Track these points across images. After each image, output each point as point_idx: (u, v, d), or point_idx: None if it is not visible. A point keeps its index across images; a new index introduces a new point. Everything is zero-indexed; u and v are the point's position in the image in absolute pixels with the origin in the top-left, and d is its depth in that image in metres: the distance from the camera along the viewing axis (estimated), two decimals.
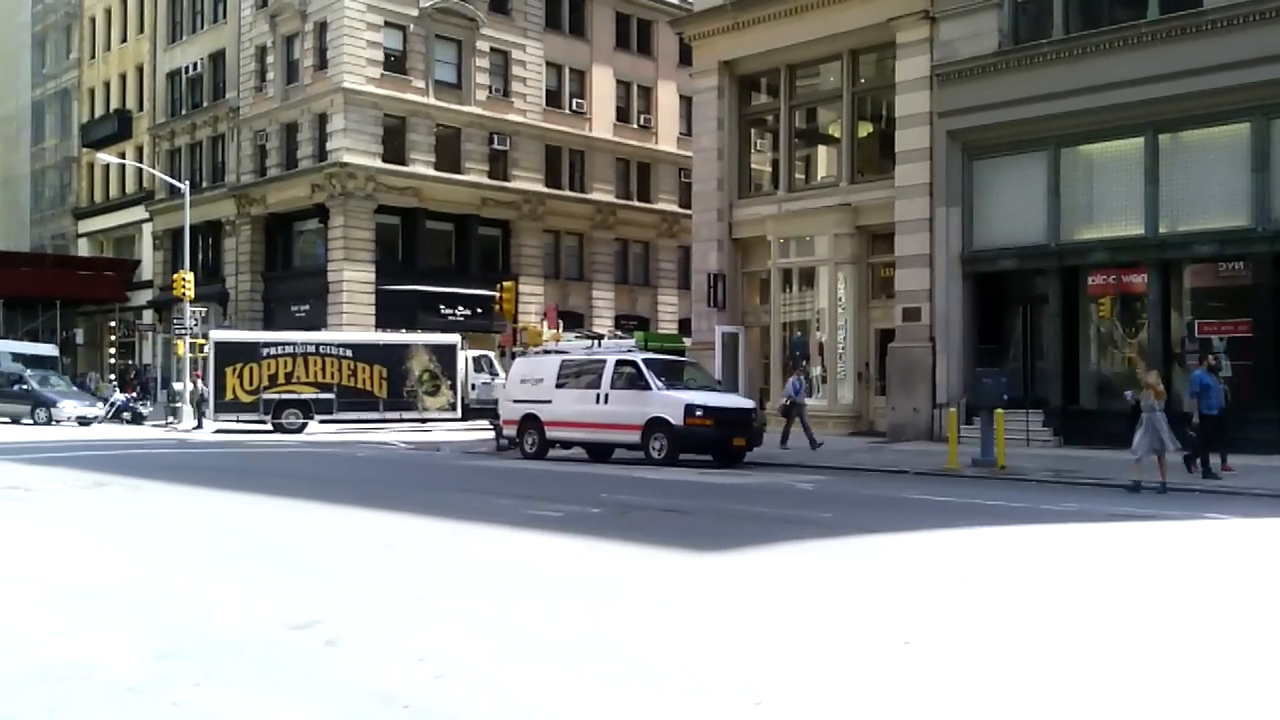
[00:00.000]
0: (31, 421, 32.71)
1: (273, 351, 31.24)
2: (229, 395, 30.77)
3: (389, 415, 32.06)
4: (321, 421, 31.54)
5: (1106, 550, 10.39)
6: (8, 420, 33.64)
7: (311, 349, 31.79)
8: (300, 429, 31.12)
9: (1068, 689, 5.32)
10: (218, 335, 32.23)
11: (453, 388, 32.69)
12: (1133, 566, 9.40)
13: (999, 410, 18.79)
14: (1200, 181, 21.22)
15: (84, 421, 32.89)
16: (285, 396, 31.15)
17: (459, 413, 32.59)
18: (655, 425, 19.89)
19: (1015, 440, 20.60)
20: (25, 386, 34.07)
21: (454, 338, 34.06)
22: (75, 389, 38.17)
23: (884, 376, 26.04)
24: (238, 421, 30.98)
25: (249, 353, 31.06)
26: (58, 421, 32.45)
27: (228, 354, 31.00)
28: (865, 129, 28.44)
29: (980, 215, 24.22)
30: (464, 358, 33.43)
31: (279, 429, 30.87)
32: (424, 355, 32.71)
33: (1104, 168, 22.64)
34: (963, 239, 24.23)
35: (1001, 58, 23.34)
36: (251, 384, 30.83)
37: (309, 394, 31.33)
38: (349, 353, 32.08)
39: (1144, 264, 21.94)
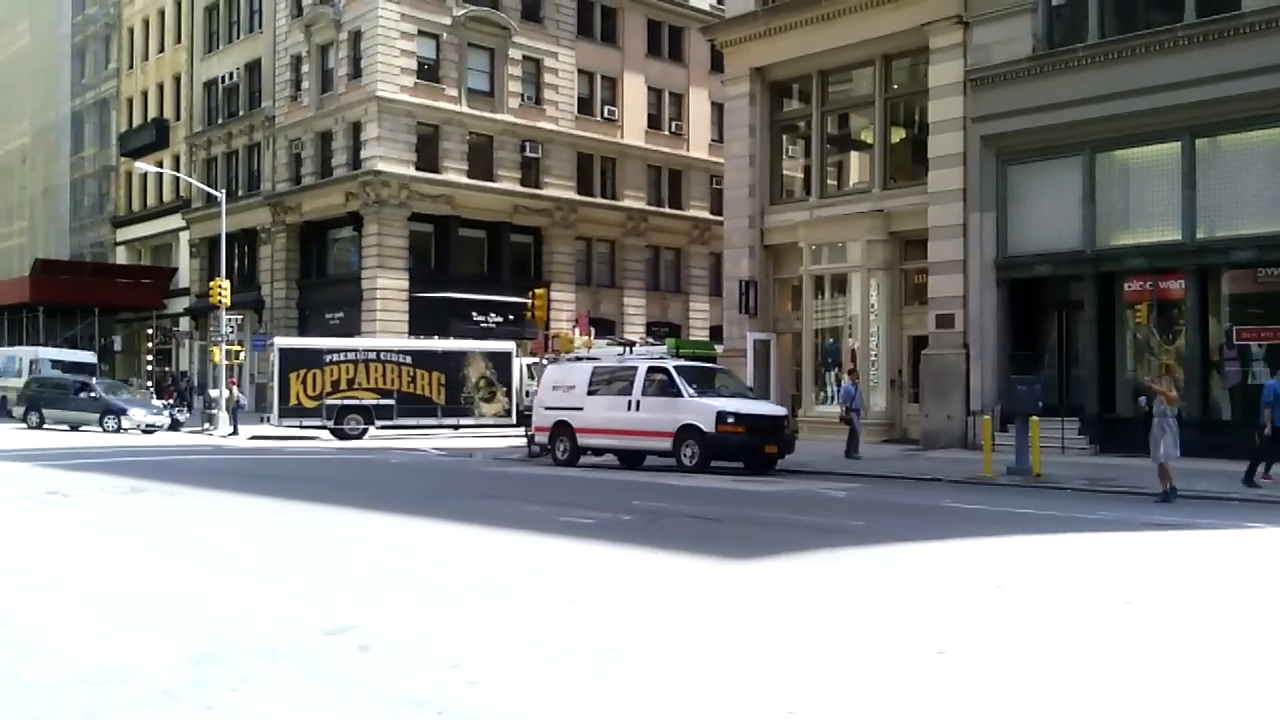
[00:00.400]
0: (100, 429, 32.58)
1: (336, 358, 31.74)
2: (293, 401, 31.22)
3: (446, 421, 32.45)
4: (381, 427, 31.90)
5: (1143, 560, 10.27)
6: (66, 427, 33.68)
7: (373, 355, 32.27)
8: (361, 434, 31.51)
9: (1103, 701, 5.26)
10: (282, 342, 32.72)
11: (508, 394, 33.05)
12: (1170, 576, 9.28)
13: (1034, 418, 18.64)
14: (1238, 186, 20.98)
15: (150, 429, 32.93)
16: (347, 402, 31.59)
17: (514, 418, 32.93)
18: (687, 432, 19.86)
19: (1050, 448, 20.42)
20: (94, 394, 34.06)
21: (509, 345, 34.48)
22: (139, 397, 38.45)
23: (917, 383, 25.91)
24: (300, 426, 31.42)
25: (313, 359, 31.55)
26: (126, 429, 32.41)
27: (292, 360, 31.46)
28: (898, 134, 28.33)
29: (1014, 221, 24.05)
30: (519, 365, 33.80)
31: (340, 434, 31.25)
32: (480, 362, 33.16)
33: (1140, 173, 22.43)
34: (997, 245, 24.08)
35: (1036, 62, 23.19)
36: (315, 390, 31.30)
37: (370, 400, 31.78)
38: (409, 359, 32.52)
39: (1181, 270, 21.72)
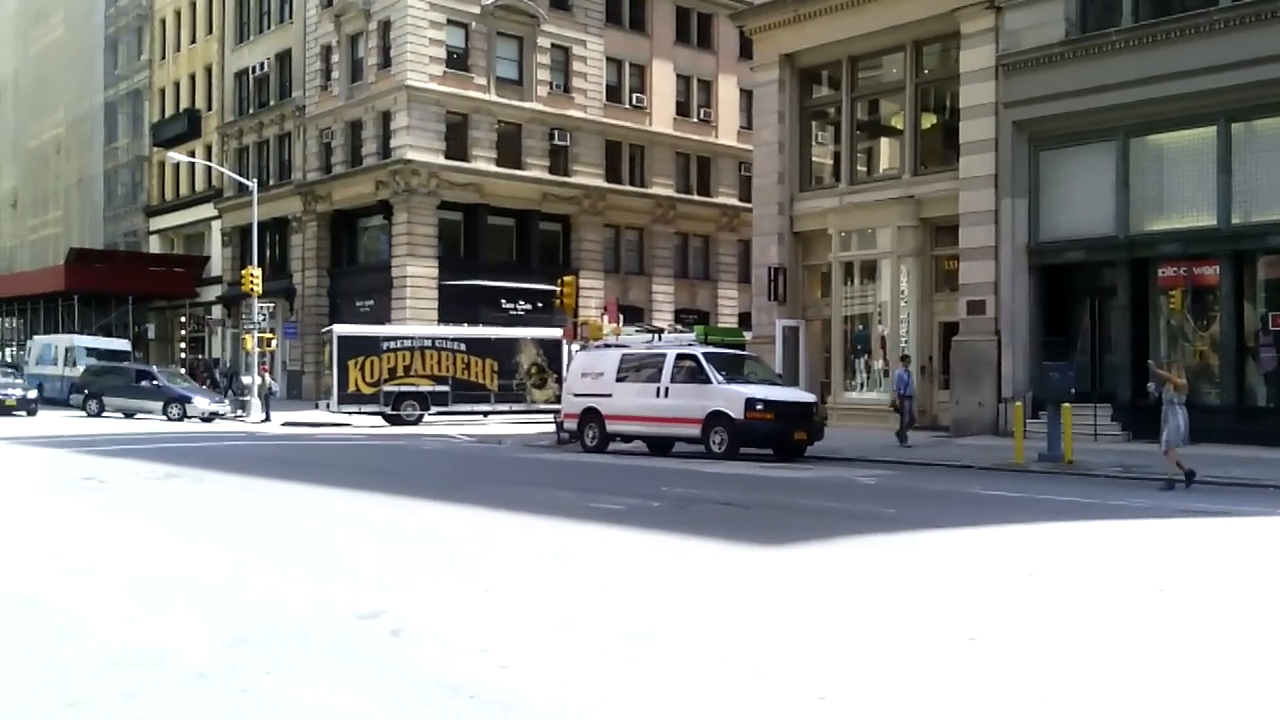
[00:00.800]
0: (163, 417, 32.70)
1: (392, 345, 32.35)
2: (351, 388, 31.77)
3: (499, 407, 33.00)
4: (437, 413, 32.38)
5: (1177, 547, 10.18)
6: (120, 415, 33.87)
7: (428, 343, 32.79)
8: (417, 420, 31.96)
9: (1134, 689, 5.23)
10: (341, 330, 33.19)
11: (558, 380, 33.28)
12: (1204, 564, 9.20)
13: (1066, 404, 18.50)
14: (1274, 171, 20.69)
15: (210, 417, 33.11)
16: (404, 389, 32.04)
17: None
18: (715, 419, 19.85)
19: (1083, 435, 20.26)
20: (157, 383, 34.23)
21: (558, 332, 34.63)
22: (199, 385, 38.94)
23: (948, 370, 25.76)
24: (359, 412, 31.98)
25: (370, 346, 32.07)
26: (191, 417, 32.61)
27: (351, 348, 31.99)
28: (928, 120, 28.13)
29: (1046, 207, 23.84)
30: (568, 351, 34.03)
31: (396, 420, 31.69)
32: (532, 349, 33.67)
33: (1174, 158, 22.17)
34: (1029, 231, 23.88)
35: (1068, 47, 22.94)
36: (372, 377, 31.84)
37: (426, 386, 32.30)
38: (463, 346, 33.06)
39: (1216, 256, 21.46)
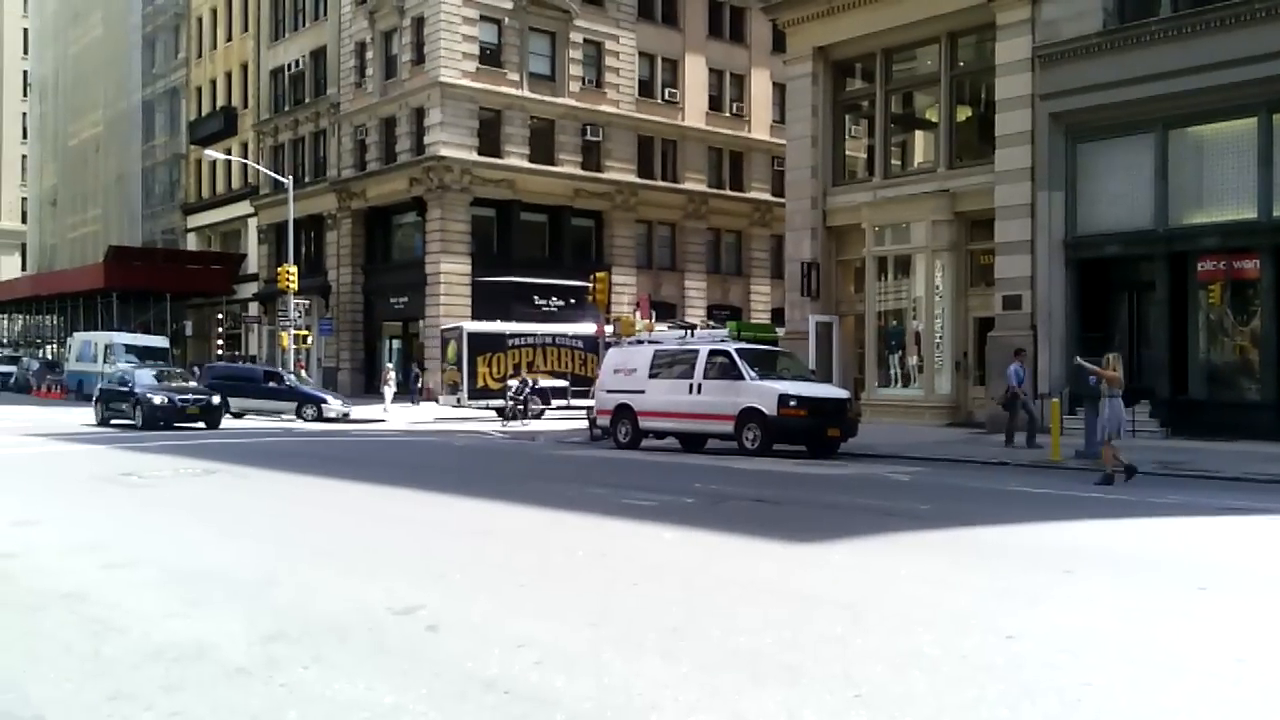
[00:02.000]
0: (296, 418, 32.19)
1: (517, 342, 33.78)
2: (480, 383, 32.97)
3: None
4: (558, 407, 33.17)
5: (1217, 545, 10.06)
6: (252, 416, 33.09)
7: (549, 340, 34.32)
8: (540, 414, 32.60)
9: (1171, 687, 5.18)
10: (470, 326, 34.31)
11: None
12: (1245, 562, 9.08)
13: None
14: None
15: (342, 417, 32.62)
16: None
17: None
18: (748, 415, 19.80)
19: None
20: (288, 384, 33.78)
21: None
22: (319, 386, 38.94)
23: (983, 366, 25.56)
24: (486, 407, 32.84)
25: (497, 343, 33.24)
26: (328, 419, 32.13)
27: (479, 344, 33.23)
28: (964, 113, 27.93)
29: (1084, 200, 23.61)
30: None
31: (515, 415, 32.02)
32: None
33: (1214, 150, 21.88)
34: (1066, 224, 23.66)
35: (1106, 37, 22.69)
36: (499, 372, 32.92)
37: (547, 381, 33.33)
38: (580, 344, 34.52)
39: (1257, 249, 21.16)
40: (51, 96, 77.39)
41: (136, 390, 27.68)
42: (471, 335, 33.43)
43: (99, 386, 30.26)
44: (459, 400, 33.55)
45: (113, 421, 28.15)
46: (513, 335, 34.18)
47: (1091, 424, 18.31)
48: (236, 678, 5.22)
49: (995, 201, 24.79)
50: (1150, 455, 18.32)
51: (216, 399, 28.18)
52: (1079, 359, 18.07)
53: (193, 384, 31.07)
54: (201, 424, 27.36)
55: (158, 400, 26.93)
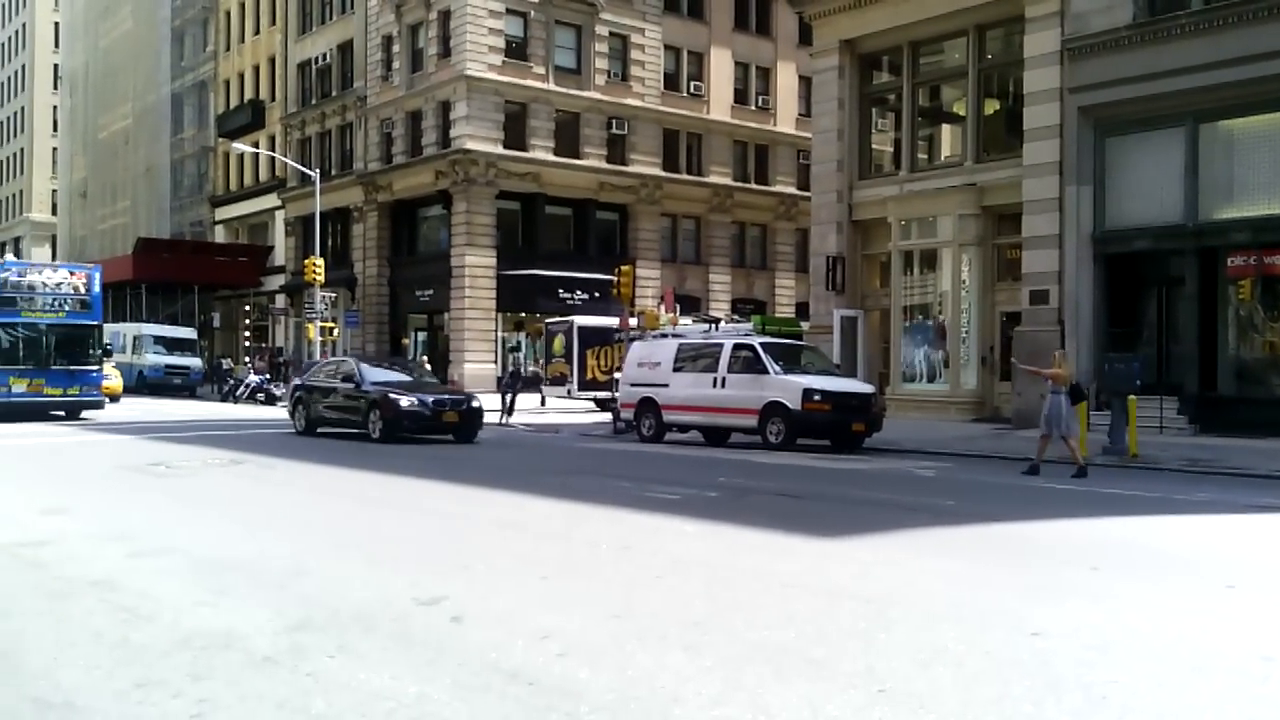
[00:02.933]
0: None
1: (622, 336, 33.63)
2: (589, 375, 33.40)
3: None
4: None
5: (1246, 543, 9.98)
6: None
7: (653, 336, 34.24)
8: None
9: (1200, 687, 5.14)
10: (581, 321, 34.71)
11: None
12: (1273, 561, 9.01)
13: (1131, 397, 18.17)
14: None
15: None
16: None
17: None
18: (772, 409, 19.77)
19: (1148, 428, 19.88)
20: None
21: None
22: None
23: (1009, 361, 25.40)
24: (593, 399, 33.31)
25: (604, 337, 33.35)
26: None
27: (588, 338, 33.59)
28: (991, 106, 27.72)
29: (1112, 194, 23.40)
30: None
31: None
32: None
33: (1246, 143, 21.64)
34: (1094, 219, 23.46)
35: (1137, 30, 22.48)
36: (605, 365, 33.19)
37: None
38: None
39: None
40: (82, 90, 78.02)
41: (367, 387, 21.33)
42: (582, 329, 34.07)
43: (296, 382, 24.82)
44: (569, 392, 34.12)
45: (321, 430, 22.32)
46: (620, 329, 34.62)
47: (1119, 421, 18.20)
48: (263, 666, 5.27)
49: (1023, 195, 24.61)
50: (1178, 452, 18.19)
51: (476, 401, 21.90)
52: (1015, 362, 18.30)
53: (434, 379, 26.30)
54: (450, 436, 21.27)
55: (405, 403, 20.57)
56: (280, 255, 55.92)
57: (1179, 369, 22.43)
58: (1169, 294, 23.15)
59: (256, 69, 58.34)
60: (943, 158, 29.12)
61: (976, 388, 26.28)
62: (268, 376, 40.24)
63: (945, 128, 29.95)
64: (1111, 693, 4.97)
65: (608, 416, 28.48)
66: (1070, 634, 6.08)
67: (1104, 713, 4.73)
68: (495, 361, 42.16)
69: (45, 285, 25.94)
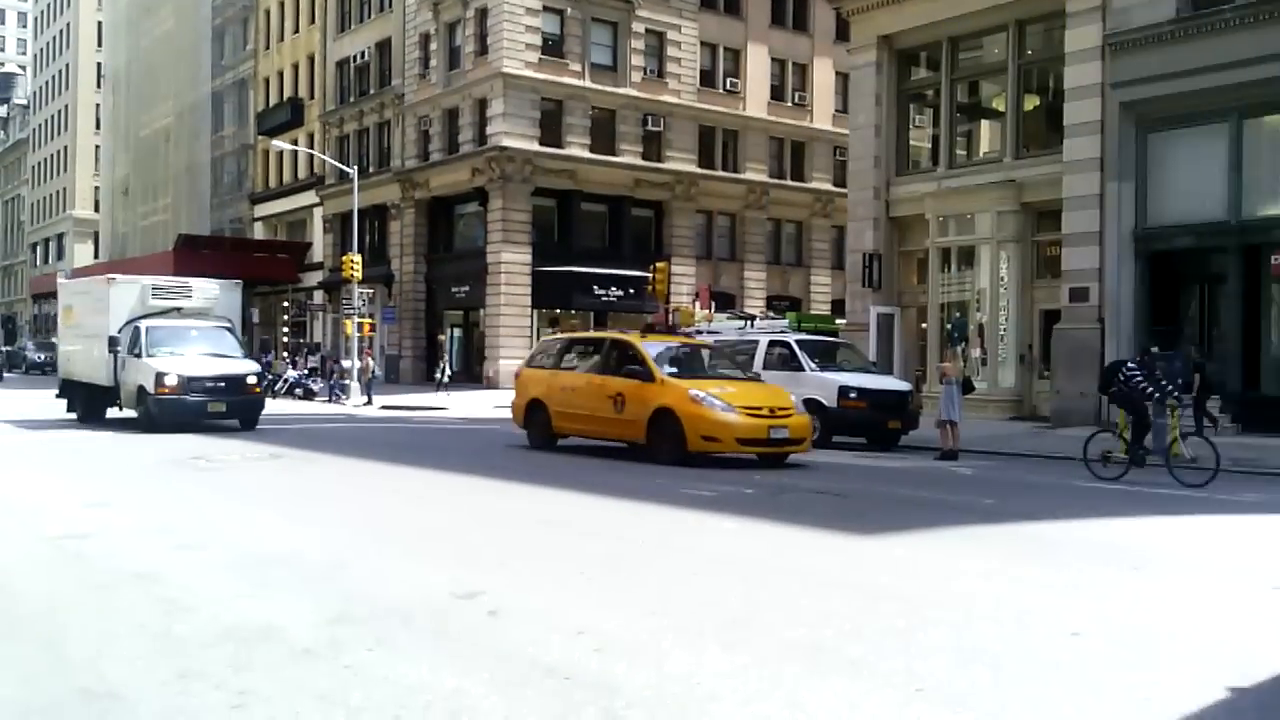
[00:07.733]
0: None
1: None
2: None
3: None
4: None
5: None
6: None
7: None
8: None
9: (1246, 689, 5.07)
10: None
11: None
12: None
13: (1177, 396, 17.88)
14: None
15: None
16: None
17: None
18: (808, 407, 19.62)
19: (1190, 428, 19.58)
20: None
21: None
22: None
23: (1048, 359, 25.17)
24: None
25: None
26: None
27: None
28: (1031, 102, 27.45)
29: (1154, 191, 23.12)
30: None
31: None
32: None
33: None
34: (1135, 216, 23.19)
35: (1180, 25, 22.18)
36: None
37: None
38: None
39: None
40: (124, 88, 78.92)
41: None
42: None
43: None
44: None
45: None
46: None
47: (1160, 424, 17.94)
48: (302, 659, 5.32)
49: (1063, 192, 24.35)
50: (1221, 452, 17.89)
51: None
52: (938, 365, 19.14)
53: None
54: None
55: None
56: (318, 252, 56.34)
57: (1221, 367, 22.13)
58: (1211, 292, 22.87)
59: (296, 67, 58.78)
60: (981, 154, 28.88)
61: (1015, 386, 26.06)
62: (307, 372, 40.49)
63: (984, 124, 29.69)
64: (1154, 694, 4.92)
65: None
66: (1111, 634, 6.02)
67: (1146, 714, 4.67)
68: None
69: None
